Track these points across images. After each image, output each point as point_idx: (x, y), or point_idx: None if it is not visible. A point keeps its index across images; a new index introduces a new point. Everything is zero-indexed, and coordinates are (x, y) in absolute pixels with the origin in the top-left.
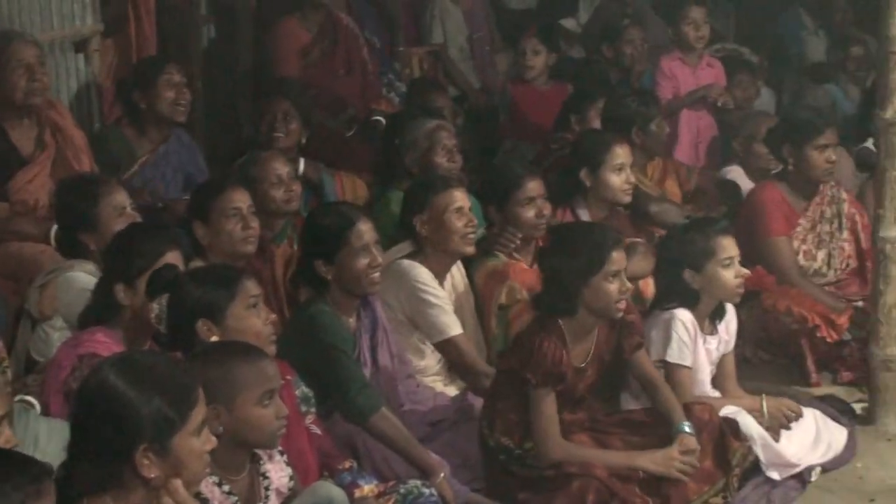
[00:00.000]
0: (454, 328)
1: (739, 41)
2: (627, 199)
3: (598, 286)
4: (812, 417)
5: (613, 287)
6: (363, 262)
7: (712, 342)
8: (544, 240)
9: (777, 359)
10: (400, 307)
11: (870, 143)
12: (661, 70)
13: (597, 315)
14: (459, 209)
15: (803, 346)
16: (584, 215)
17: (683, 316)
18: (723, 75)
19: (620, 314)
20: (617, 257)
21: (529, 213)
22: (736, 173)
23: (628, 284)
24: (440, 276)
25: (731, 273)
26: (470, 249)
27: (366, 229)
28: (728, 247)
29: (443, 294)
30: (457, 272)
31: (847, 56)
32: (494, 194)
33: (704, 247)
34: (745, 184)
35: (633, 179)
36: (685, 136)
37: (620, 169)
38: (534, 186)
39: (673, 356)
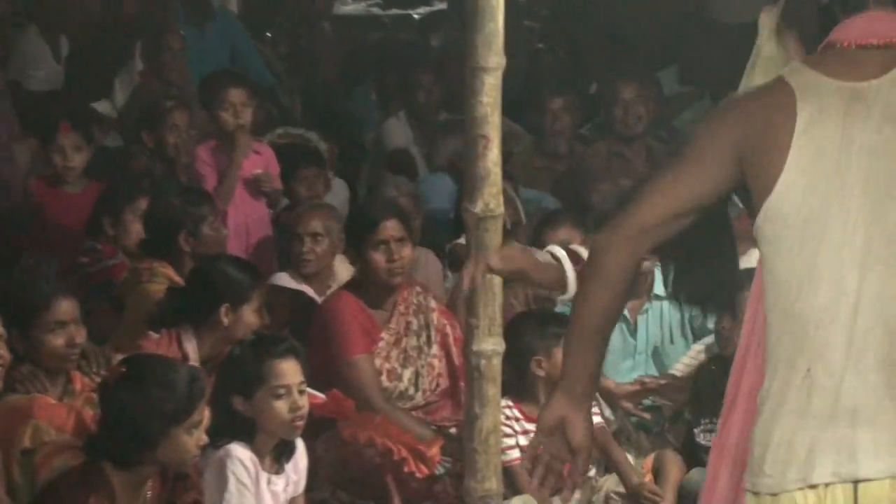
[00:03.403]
0: None
1: (307, 125)
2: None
3: (177, 438)
4: None
5: (192, 439)
6: None
7: (279, 483)
8: (111, 372)
9: (358, 500)
10: None
11: (464, 240)
12: (199, 160)
13: (163, 468)
14: None
15: (389, 484)
16: (192, 349)
17: (240, 453)
18: (275, 163)
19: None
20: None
21: (59, 341)
22: (284, 279)
23: (204, 439)
24: None
25: (284, 404)
26: None
27: None
28: (285, 372)
29: None
30: None
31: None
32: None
33: (255, 371)
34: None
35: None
36: (234, 237)
37: (259, 308)
38: (65, 308)
39: (231, 502)
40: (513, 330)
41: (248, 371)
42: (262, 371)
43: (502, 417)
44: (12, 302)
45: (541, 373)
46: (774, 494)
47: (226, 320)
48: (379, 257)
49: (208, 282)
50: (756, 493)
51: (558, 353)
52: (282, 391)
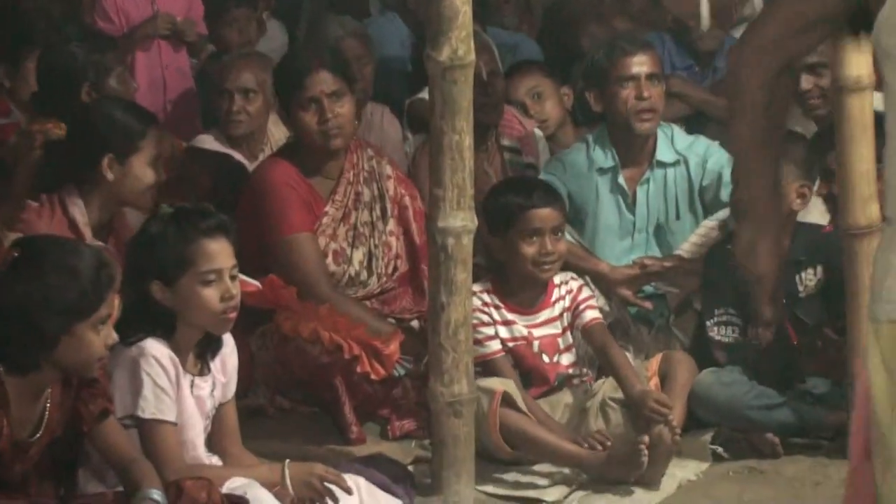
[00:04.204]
0: None
1: None
2: (151, 203)
3: (82, 335)
4: (355, 487)
5: (99, 337)
6: None
7: (204, 386)
8: (3, 260)
9: (302, 406)
10: None
11: (426, 94)
12: (109, 1)
13: (66, 373)
14: None
15: (338, 387)
16: (79, 214)
17: (156, 350)
18: (198, 2)
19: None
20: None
21: None
22: (208, 144)
23: (113, 336)
24: None
25: (214, 291)
26: None
27: None
28: (214, 254)
29: None
30: None
31: None
32: None
33: (179, 252)
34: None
35: (163, 176)
36: (146, 91)
37: (155, 163)
38: None
39: (147, 409)
40: (491, 201)
41: (169, 252)
42: (187, 252)
43: (478, 304)
44: None
45: (529, 249)
46: (894, 321)
47: (109, 174)
48: (308, 117)
49: (87, 129)
50: (875, 321)
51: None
52: (211, 276)
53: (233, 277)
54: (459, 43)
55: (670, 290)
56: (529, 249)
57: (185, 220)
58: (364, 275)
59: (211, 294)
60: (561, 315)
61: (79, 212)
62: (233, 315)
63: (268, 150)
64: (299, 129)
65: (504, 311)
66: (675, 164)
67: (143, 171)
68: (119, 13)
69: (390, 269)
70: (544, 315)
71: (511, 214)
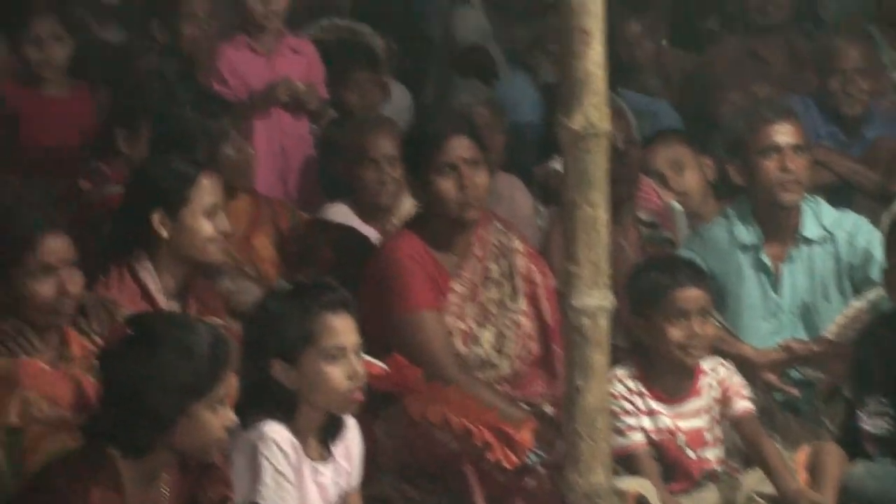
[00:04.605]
0: None
1: (358, 15)
2: (221, 256)
3: (199, 416)
4: None
5: (216, 418)
6: None
7: (326, 473)
8: (113, 333)
9: (430, 496)
10: None
11: (558, 164)
12: (223, 59)
13: (183, 456)
14: None
15: (468, 476)
16: (150, 279)
17: (277, 434)
18: (319, 65)
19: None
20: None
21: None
22: (342, 215)
23: (231, 418)
24: None
25: (339, 369)
26: None
27: None
28: (339, 329)
29: None
30: None
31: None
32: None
33: (302, 327)
34: (360, 227)
35: (228, 226)
36: (265, 160)
37: (213, 211)
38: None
39: (267, 496)
40: (635, 280)
41: (291, 328)
42: (311, 327)
43: (622, 390)
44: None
45: (675, 332)
46: None
47: (163, 231)
48: (446, 185)
49: (136, 187)
50: None
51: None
52: (336, 352)
53: (357, 355)
54: (593, 109)
55: (817, 376)
56: (675, 332)
57: (307, 294)
58: (494, 356)
59: (336, 372)
60: (709, 405)
61: (150, 277)
62: (358, 396)
63: (395, 222)
64: (434, 196)
65: (649, 400)
66: (821, 240)
67: (196, 223)
68: (236, 76)
69: (522, 351)
70: (691, 405)
71: (656, 295)
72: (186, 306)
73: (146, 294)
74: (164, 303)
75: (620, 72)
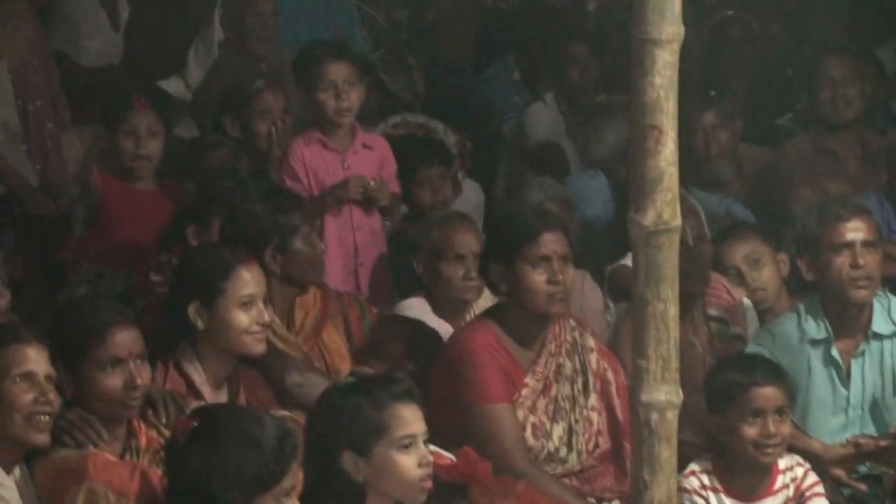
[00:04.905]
0: None
1: (430, 111)
2: (260, 348)
3: None
4: None
5: None
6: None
7: None
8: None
9: None
10: None
11: (628, 260)
12: (294, 155)
13: None
14: (27, 375)
15: None
16: (194, 372)
17: None
18: (391, 161)
19: None
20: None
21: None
22: (417, 309)
23: None
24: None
25: (411, 458)
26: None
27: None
28: (409, 419)
29: (11, 486)
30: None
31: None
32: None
33: (373, 419)
34: (435, 324)
35: (266, 318)
36: (336, 255)
37: (250, 302)
38: (123, 341)
39: None
40: (712, 379)
41: (363, 420)
42: (382, 419)
43: (695, 485)
44: (58, 331)
45: (751, 431)
46: None
47: (199, 322)
48: (538, 278)
49: (175, 280)
50: None
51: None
52: (408, 441)
53: (426, 444)
54: (665, 206)
55: (886, 471)
56: (751, 431)
57: (375, 386)
58: (563, 451)
59: (408, 461)
60: None
61: (194, 370)
62: (428, 483)
63: (468, 317)
64: (522, 289)
65: (723, 496)
66: (892, 336)
67: (231, 314)
68: (308, 172)
69: (591, 446)
70: None
71: (732, 393)
72: (236, 398)
73: (191, 386)
74: (210, 394)
75: (690, 168)
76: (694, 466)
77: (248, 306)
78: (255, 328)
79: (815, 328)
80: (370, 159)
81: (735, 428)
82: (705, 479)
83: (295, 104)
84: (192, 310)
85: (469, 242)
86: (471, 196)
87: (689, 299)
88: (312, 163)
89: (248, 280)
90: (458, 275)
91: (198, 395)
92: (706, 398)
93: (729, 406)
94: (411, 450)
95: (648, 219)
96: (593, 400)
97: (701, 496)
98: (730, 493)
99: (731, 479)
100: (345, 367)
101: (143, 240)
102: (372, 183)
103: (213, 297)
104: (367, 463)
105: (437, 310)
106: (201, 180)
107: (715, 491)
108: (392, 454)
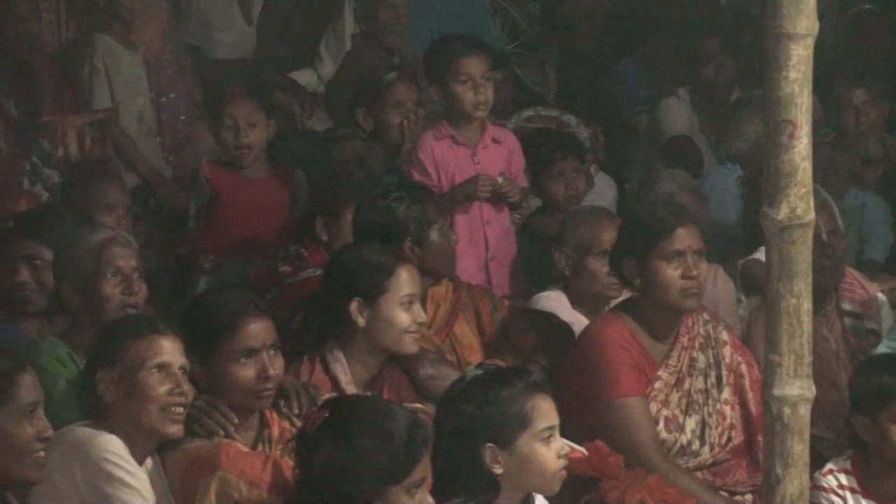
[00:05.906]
0: None
1: (563, 105)
2: (415, 347)
3: (396, 501)
4: None
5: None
6: None
7: None
8: (309, 417)
9: None
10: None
11: (761, 254)
12: (424, 149)
13: None
14: (163, 367)
15: None
16: (341, 370)
17: None
18: (520, 155)
19: None
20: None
21: (248, 374)
22: (555, 302)
23: (429, 502)
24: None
25: (551, 450)
26: (174, 430)
27: None
28: (548, 412)
29: (143, 477)
30: (149, 460)
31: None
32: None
33: (514, 412)
34: (571, 317)
35: (424, 317)
36: (466, 249)
37: (410, 302)
38: (257, 331)
39: None
40: (859, 379)
41: (507, 412)
42: (525, 410)
43: (832, 484)
44: (191, 322)
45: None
46: None
47: (360, 319)
48: (672, 272)
49: (335, 275)
50: None
51: None
52: (548, 434)
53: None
54: (798, 201)
55: None
56: None
57: (516, 378)
58: (696, 444)
59: (549, 453)
60: None
61: (340, 368)
62: (563, 473)
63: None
64: (656, 283)
65: (860, 498)
66: None
67: (393, 313)
68: (437, 166)
69: (724, 440)
70: None
71: (882, 396)
72: (380, 396)
73: (336, 385)
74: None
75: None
76: (832, 465)
77: (408, 305)
78: (414, 327)
79: None
80: (499, 153)
81: (885, 430)
82: (843, 479)
83: (428, 96)
84: (353, 307)
85: (613, 238)
86: (604, 190)
87: (823, 294)
88: (443, 157)
89: (409, 280)
90: (603, 270)
91: (342, 394)
92: (852, 397)
93: (880, 409)
94: (551, 441)
95: (782, 213)
96: (727, 393)
97: (838, 495)
98: (868, 495)
99: (871, 481)
100: (475, 360)
101: (257, 227)
102: (500, 180)
103: (376, 295)
104: (508, 455)
105: (577, 303)
106: (331, 172)
107: (853, 491)
108: (535, 446)
